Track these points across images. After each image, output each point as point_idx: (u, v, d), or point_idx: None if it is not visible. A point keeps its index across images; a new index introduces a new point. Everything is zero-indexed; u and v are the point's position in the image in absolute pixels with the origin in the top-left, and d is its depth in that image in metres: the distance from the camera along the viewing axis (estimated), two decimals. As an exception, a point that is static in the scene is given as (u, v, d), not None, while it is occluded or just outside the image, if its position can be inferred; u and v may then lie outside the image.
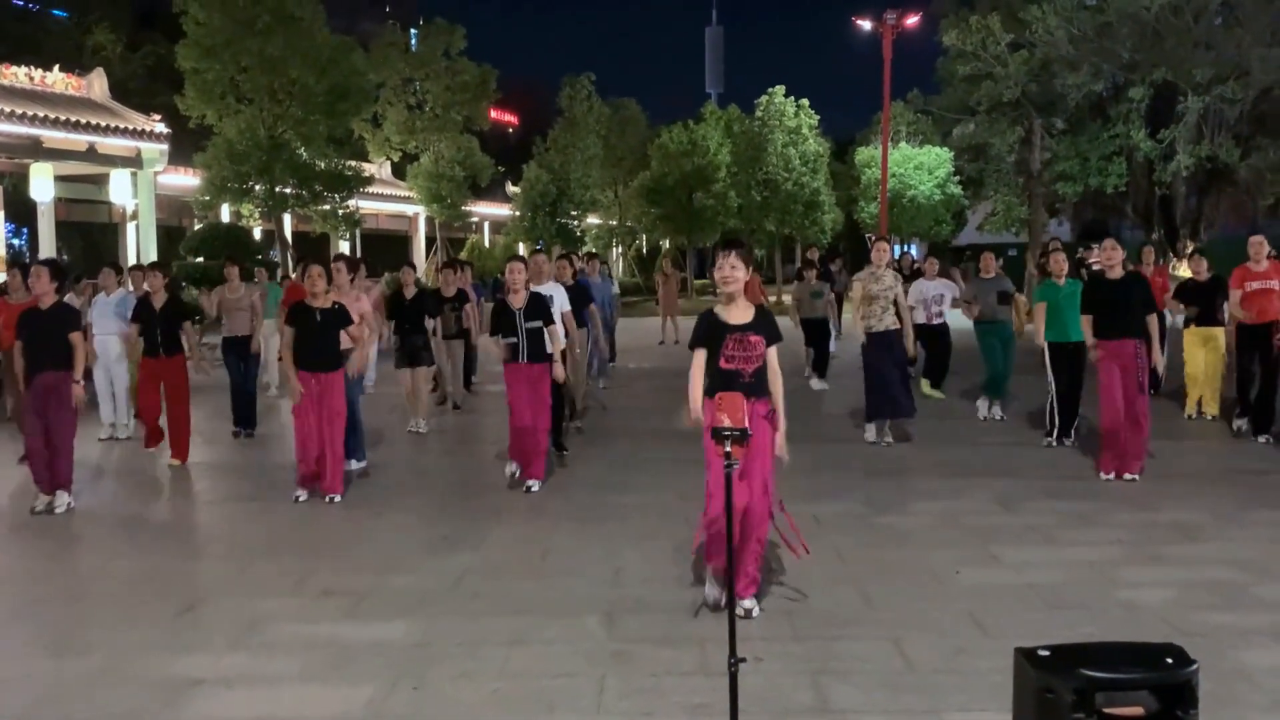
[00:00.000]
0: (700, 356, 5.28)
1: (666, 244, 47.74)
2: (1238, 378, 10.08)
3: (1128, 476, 8.19)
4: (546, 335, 8.07)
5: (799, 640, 4.98)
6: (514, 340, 8.06)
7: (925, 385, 13.12)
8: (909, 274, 14.22)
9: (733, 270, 5.19)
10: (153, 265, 9.69)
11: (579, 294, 10.46)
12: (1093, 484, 8.15)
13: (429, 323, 11.00)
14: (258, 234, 28.75)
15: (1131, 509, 7.41)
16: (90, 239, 31.68)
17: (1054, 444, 9.65)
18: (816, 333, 14.61)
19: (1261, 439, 9.70)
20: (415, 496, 8.19)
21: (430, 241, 38.97)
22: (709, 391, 5.20)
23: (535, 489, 8.15)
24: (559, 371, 8.14)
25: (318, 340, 7.96)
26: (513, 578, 6.01)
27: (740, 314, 5.26)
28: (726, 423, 3.89)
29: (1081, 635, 4.95)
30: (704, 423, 5.14)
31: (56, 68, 25.23)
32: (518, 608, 5.49)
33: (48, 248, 24.70)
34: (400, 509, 7.75)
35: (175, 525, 7.78)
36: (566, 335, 9.14)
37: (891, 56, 33.97)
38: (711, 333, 5.25)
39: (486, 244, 43.69)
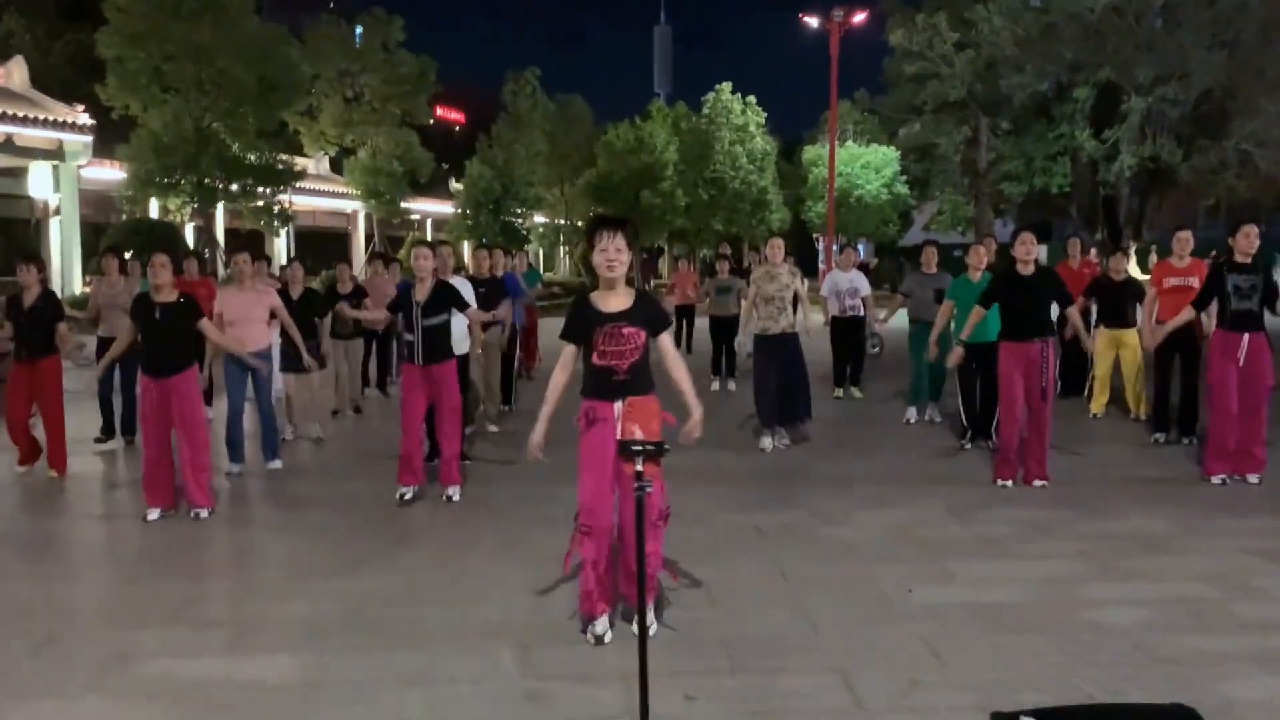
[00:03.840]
0: (569, 352, 4.74)
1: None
2: (1156, 383, 9.62)
3: (1037, 484, 7.79)
4: (454, 329, 7.48)
5: (735, 674, 4.43)
6: (410, 339, 7.41)
7: (850, 388, 12.73)
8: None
9: (618, 253, 4.60)
10: (26, 259, 8.80)
11: (494, 290, 9.89)
12: (1047, 491, 7.70)
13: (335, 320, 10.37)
14: (191, 230, 27.71)
15: (1091, 517, 6.96)
16: (11, 235, 30.41)
17: (968, 447, 9.29)
18: (725, 331, 13.79)
19: (1185, 441, 9.28)
20: (322, 512, 7.48)
21: (370, 239, 38.05)
22: (583, 391, 4.70)
23: (455, 497, 7.57)
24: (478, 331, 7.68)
25: (158, 339, 7.14)
26: (420, 604, 5.39)
27: (616, 302, 4.70)
28: (638, 435, 3.28)
29: (1048, 664, 4.47)
30: (580, 425, 4.69)
31: (-28, 56, 24.12)
32: (421, 640, 4.88)
33: (-36, 244, 23.65)
34: (304, 526, 7.07)
35: (48, 544, 6.94)
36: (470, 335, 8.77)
37: (839, 55, 33.69)
38: (584, 324, 4.69)
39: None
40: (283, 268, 12.17)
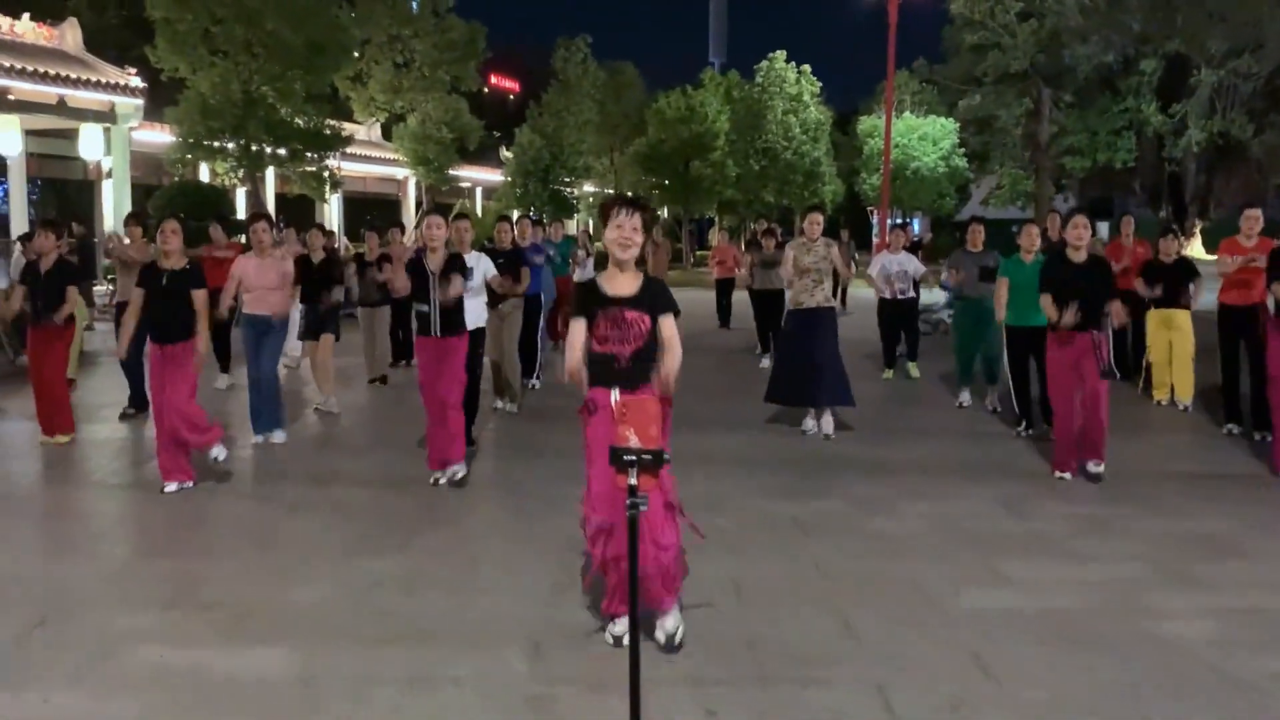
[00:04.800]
0: (580, 327, 4.35)
1: (665, 213, 46.65)
2: (1223, 370, 9.02)
3: (1091, 468, 7.28)
4: (470, 305, 7.16)
5: (763, 684, 4.07)
6: (425, 309, 7.09)
7: (906, 365, 12.42)
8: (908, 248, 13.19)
9: (634, 232, 4.30)
10: (44, 224, 8.57)
11: (513, 260, 9.52)
12: (1106, 484, 7.21)
13: (341, 290, 10.09)
14: (241, 195, 27.64)
15: (1153, 515, 6.49)
16: (65, 196, 30.58)
17: (1024, 435, 8.84)
18: (770, 307, 13.25)
19: (1258, 436, 8.61)
20: (341, 488, 7.20)
21: (419, 206, 37.86)
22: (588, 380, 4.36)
23: (460, 475, 7.13)
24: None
25: (163, 306, 6.95)
26: (430, 592, 5.09)
27: (623, 285, 4.37)
28: (633, 441, 2.85)
29: (1110, 684, 4.05)
30: (583, 417, 4.35)
31: (26, 16, 24.07)
32: (427, 633, 4.57)
33: (19, 205, 23.69)
34: (321, 503, 6.79)
35: (56, 516, 6.73)
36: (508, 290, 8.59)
37: (897, 22, 32.81)
38: (587, 305, 4.35)
39: (479, 211, 42.58)
40: (302, 234, 11.88)
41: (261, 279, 8.34)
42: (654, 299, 4.32)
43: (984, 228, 10.60)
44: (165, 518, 6.49)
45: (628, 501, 2.86)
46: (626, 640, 4.32)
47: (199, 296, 7.02)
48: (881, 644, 4.47)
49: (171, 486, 6.90)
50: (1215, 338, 9.08)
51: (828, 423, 8.92)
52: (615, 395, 4.20)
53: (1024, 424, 8.91)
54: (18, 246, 14.84)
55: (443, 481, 7.11)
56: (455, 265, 7.15)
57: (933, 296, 17.05)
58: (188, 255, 7.22)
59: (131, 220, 9.72)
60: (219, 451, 7.12)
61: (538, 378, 11.50)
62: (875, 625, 4.67)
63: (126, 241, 9.73)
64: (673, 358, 4.23)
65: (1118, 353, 11.31)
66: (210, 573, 5.38)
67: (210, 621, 4.71)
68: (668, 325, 4.32)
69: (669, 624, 4.35)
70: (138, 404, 9.68)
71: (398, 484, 7.22)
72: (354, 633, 4.57)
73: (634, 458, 2.79)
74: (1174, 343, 10.13)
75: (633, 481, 2.80)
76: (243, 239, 12.47)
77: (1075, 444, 7.37)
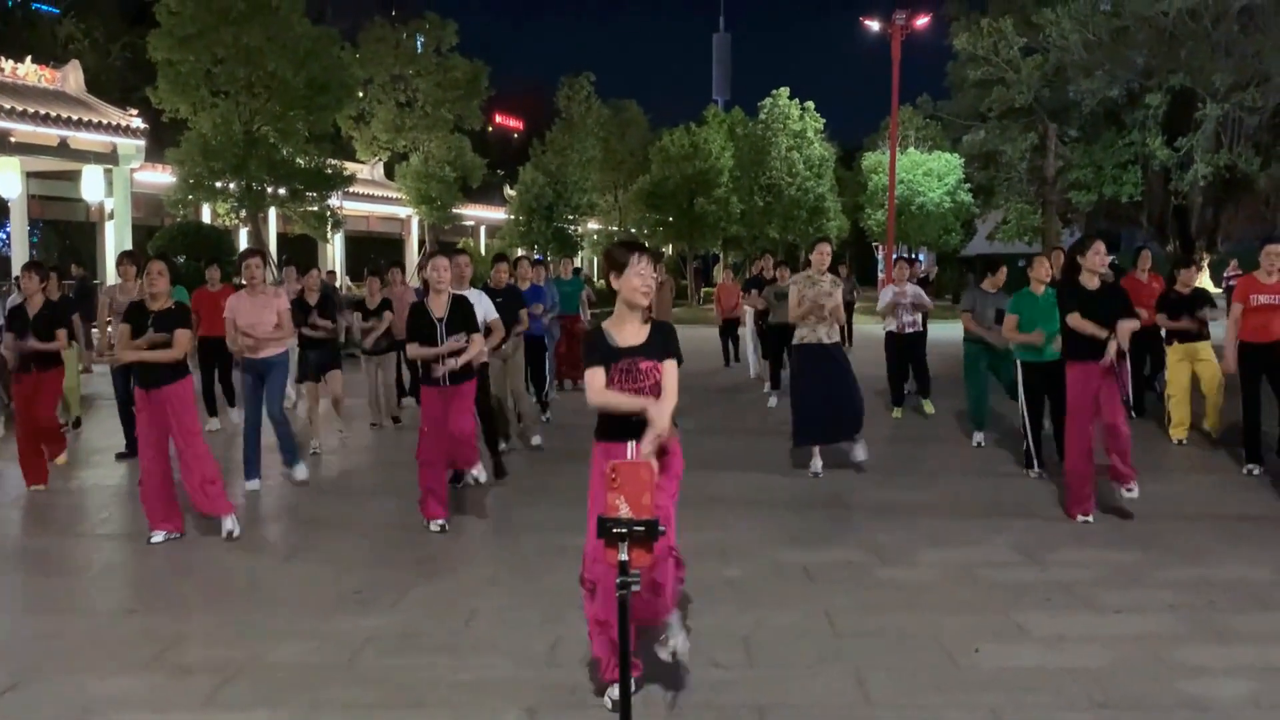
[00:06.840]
0: (600, 374, 4.17)
1: (669, 250, 46.58)
2: (1244, 409, 8.73)
3: (1125, 493, 7.05)
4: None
5: (774, 753, 3.81)
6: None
7: (921, 402, 12.25)
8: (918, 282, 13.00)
9: (653, 278, 4.21)
10: (28, 266, 8.39)
11: (512, 299, 9.33)
12: (1127, 528, 6.96)
13: (345, 325, 9.99)
14: (243, 235, 27.56)
15: (1180, 562, 6.22)
16: (68, 238, 30.57)
17: (1037, 475, 8.53)
18: (780, 341, 12.74)
19: None
20: (337, 535, 6.96)
21: (422, 245, 37.81)
22: (596, 434, 4.21)
23: (481, 479, 7.32)
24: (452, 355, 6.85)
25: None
26: (423, 651, 4.83)
27: (633, 333, 4.21)
28: (624, 511, 2.59)
29: (1144, 753, 3.78)
30: (591, 471, 4.15)
31: (29, 59, 24.12)
32: (418, 697, 4.31)
33: (20, 246, 23.62)
34: (312, 553, 6.55)
35: (39, 567, 6.47)
36: (499, 341, 8.32)
37: (901, 59, 32.92)
38: (600, 357, 4.20)
39: (482, 250, 42.54)
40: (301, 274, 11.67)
41: (255, 317, 8.09)
42: (664, 345, 4.19)
43: (1005, 267, 10.32)
44: (150, 569, 6.25)
45: (618, 580, 2.59)
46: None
47: (181, 335, 6.71)
48: (900, 708, 4.20)
49: (158, 536, 6.66)
50: (1235, 375, 8.83)
51: (860, 450, 8.73)
52: (631, 449, 4.01)
53: (1036, 462, 8.65)
54: (15, 288, 14.73)
55: (445, 527, 6.90)
56: (461, 309, 6.94)
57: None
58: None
59: (125, 259, 9.47)
60: (232, 526, 6.82)
61: (546, 414, 11.32)
62: (893, 687, 4.40)
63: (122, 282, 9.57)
64: (668, 403, 4.09)
65: (1135, 388, 11.05)
66: (193, 629, 5.14)
67: (192, 684, 4.45)
68: (669, 371, 4.17)
69: (671, 642, 4.17)
70: (133, 447, 9.47)
71: (396, 531, 6.98)
72: (340, 697, 4.31)
73: (624, 530, 2.52)
74: (1200, 375, 9.87)
75: (623, 557, 2.53)
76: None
77: (1094, 482, 7.13)
